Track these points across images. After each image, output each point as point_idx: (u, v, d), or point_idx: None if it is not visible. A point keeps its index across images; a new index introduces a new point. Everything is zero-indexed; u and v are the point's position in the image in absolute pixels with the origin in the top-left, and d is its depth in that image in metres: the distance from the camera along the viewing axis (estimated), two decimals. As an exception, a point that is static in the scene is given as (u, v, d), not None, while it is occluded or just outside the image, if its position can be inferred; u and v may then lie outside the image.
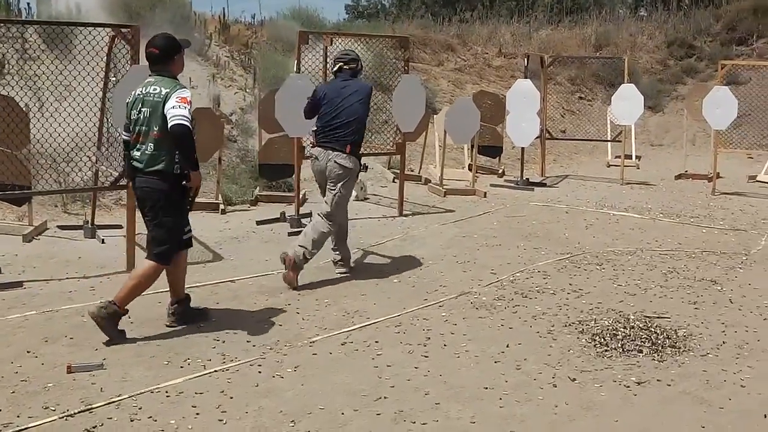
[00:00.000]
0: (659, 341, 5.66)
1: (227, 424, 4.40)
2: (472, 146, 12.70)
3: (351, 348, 5.61)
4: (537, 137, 13.75)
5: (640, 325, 5.95)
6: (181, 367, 5.19)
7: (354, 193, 11.29)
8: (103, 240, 8.70)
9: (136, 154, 5.64)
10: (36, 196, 9.04)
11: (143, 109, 5.57)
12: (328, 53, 9.76)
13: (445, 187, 12.08)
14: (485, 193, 12.01)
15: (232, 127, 12.96)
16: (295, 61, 9.86)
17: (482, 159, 14.17)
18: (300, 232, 9.17)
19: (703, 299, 6.86)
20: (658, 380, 5.05)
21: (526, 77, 13.48)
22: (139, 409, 4.54)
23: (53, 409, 4.49)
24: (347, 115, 7.28)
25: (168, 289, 6.09)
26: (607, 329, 5.89)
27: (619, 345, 5.59)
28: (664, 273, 7.72)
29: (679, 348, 5.59)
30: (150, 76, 5.71)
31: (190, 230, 5.97)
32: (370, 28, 20.97)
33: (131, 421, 4.39)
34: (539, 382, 5.01)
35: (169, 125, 5.40)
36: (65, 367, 5.03)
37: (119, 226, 8.67)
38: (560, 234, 9.46)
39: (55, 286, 6.99)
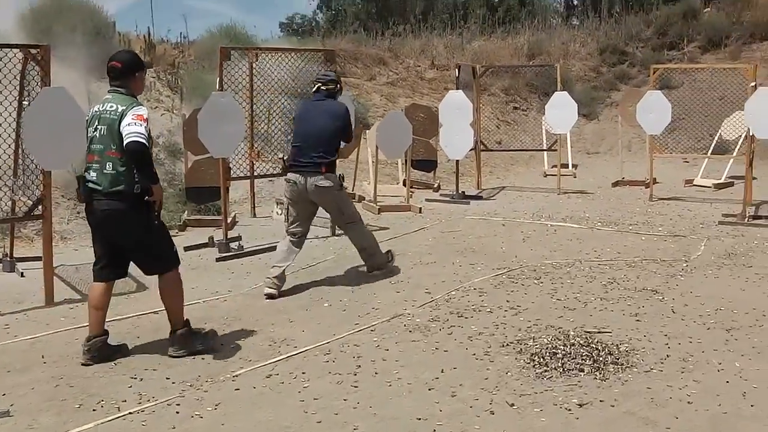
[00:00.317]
0: (601, 358, 5.38)
1: (136, 474, 4.03)
2: (406, 161, 12.43)
3: (276, 381, 5.25)
4: (471, 149, 13.53)
5: (581, 342, 5.68)
6: (94, 410, 4.79)
7: (284, 214, 11.01)
8: (22, 273, 8.30)
9: (93, 175, 5.39)
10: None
11: (99, 127, 5.36)
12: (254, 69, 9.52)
13: (379, 203, 11.76)
14: (420, 208, 11.74)
15: (158, 150, 12.53)
16: (218, 79, 9.48)
17: (417, 173, 13.92)
18: (228, 257, 8.89)
19: (644, 310, 6.61)
20: (600, 401, 4.76)
21: (458, 88, 13.25)
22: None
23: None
24: (316, 134, 7.38)
25: (86, 324, 5.78)
26: (547, 348, 5.60)
27: (560, 364, 5.30)
28: (603, 284, 7.48)
29: (622, 365, 5.32)
30: (108, 92, 5.52)
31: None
32: (300, 43, 20.63)
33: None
34: (475, 410, 4.68)
35: (125, 142, 5.18)
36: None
37: (40, 258, 8.22)
38: (497, 248, 9.20)
39: (-35, 325, 6.53)
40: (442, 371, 5.31)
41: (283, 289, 7.38)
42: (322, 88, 7.67)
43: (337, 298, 7.22)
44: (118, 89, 5.48)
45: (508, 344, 5.80)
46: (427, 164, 13.82)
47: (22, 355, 5.78)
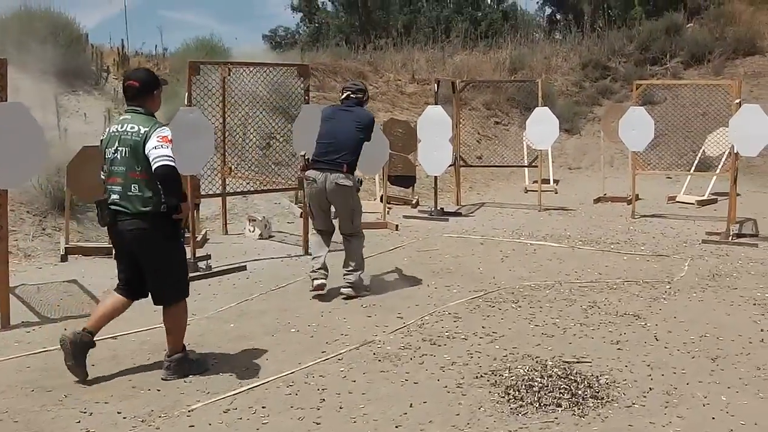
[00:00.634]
0: (580, 392, 5.06)
1: None
2: (384, 177, 12.12)
3: (234, 417, 4.89)
4: (450, 165, 13.25)
5: (559, 373, 5.37)
6: (37, 449, 4.46)
7: (258, 231, 10.70)
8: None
9: (115, 196, 5.29)
10: None
11: (120, 149, 5.27)
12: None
13: (355, 220, 11.42)
14: (397, 225, 11.43)
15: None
16: (186, 94, 9.15)
17: (395, 189, 13.62)
18: (196, 277, 8.53)
19: (626, 337, 6.31)
20: (578, 440, 4.47)
21: (436, 103, 12.96)
22: None
23: None
24: (343, 139, 7.63)
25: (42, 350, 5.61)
26: (523, 379, 5.28)
27: (536, 399, 4.98)
28: (584, 308, 7.18)
29: (602, 399, 5.00)
30: (126, 112, 5.47)
31: None
32: (280, 57, 20.31)
33: None
34: (445, 450, 4.38)
35: (154, 167, 5.14)
36: None
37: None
38: (474, 268, 8.89)
39: None
40: (410, 406, 4.98)
41: (245, 321, 7.04)
42: (351, 96, 7.98)
43: (305, 323, 6.88)
44: (137, 109, 5.43)
45: (482, 375, 5.47)
46: (406, 180, 13.52)
47: (-35, 385, 5.42)
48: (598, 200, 14.06)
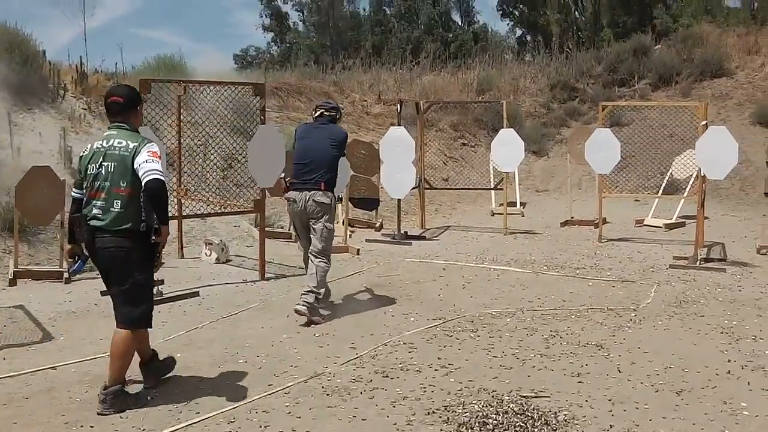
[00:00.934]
0: (536, 430, 4.78)
1: None
2: (345, 199, 11.83)
3: (167, 457, 4.59)
4: (415, 188, 12.99)
5: (515, 409, 5.07)
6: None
7: (215, 255, 10.37)
8: None
9: (96, 211, 5.21)
10: None
11: (105, 163, 5.22)
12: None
13: (315, 244, 11.12)
14: (358, 250, 11.13)
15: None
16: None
17: (359, 212, 13.34)
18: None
19: (587, 369, 6.03)
20: (533, 484, 4.17)
21: (399, 124, 12.71)
22: None
23: None
24: (318, 157, 7.73)
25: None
26: (477, 416, 4.97)
27: (490, 437, 4.70)
28: (545, 338, 6.89)
29: (560, 437, 4.73)
30: (110, 128, 5.42)
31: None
32: (245, 77, 20.01)
33: None
34: (389, 497, 4.06)
35: (144, 180, 5.10)
36: None
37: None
38: (434, 295, 8.60)
39: None
40: (356, 445, 4.68)
41: (192, 350, 6.70)
42: (325, 113, 8.09)
43: (254, 353, 6.56)
44: (122, 125, 5.40)
45: (434, 411, 5.16)
46: (369, 203, 13.22)
47: None
48: (565, 223, 13.84)
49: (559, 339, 6.86)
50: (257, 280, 9.35)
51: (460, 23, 40.48)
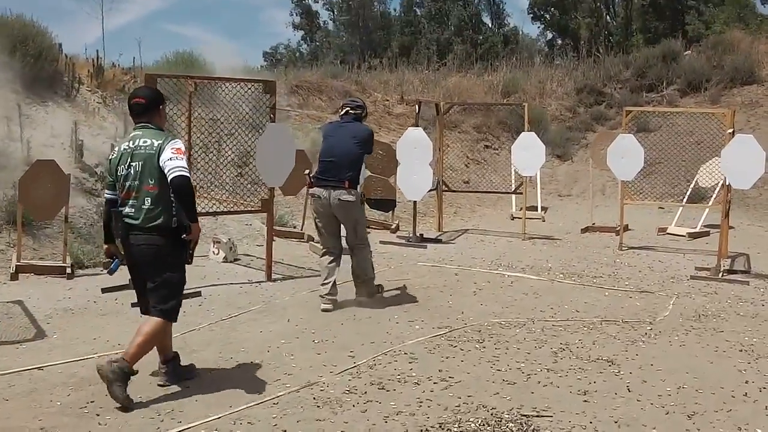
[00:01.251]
0: (533, 453, 4.49)
1: None
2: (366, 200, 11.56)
3: (142, 469, 4.32)
4: (432, 189, 12.70)
5: (514, 429, 4.78)
6: None
7: (222, 254, 10.15)
8: None
9: (130, 211, 5.37)
10: None
11: (133, 164, 5.36)
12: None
13: (327, 245, 10.86)
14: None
15: (96, 180, 11.65)
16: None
17: (375, 213, 13.06)
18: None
19: (595, 387, 5.70)
20: None
21: (416, 125, 12.43)
22: None
23: None
24: (342, 154, 7.88)
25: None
26: (472, 436, 4.70)
27: (484, 460, 4.40)
28: (554, 351, 6.57)
29: (559, 462, 4.42)
30: (135, 129, 5.53)
31: None
32: (265, 75, 19.81)
33: None
34: None
35: (170, 177, 5.22)
36: None
37: None
38: (443, 302, 8.31)
39: None
40: (341, 464, 4.39)
41: (184, 354, 6.42)
42: (350, 111, 8.21)
43: (249, 358, 6.30)
44: (146, 125, 5.50)
45: (427, 429, 4.86)
46: (385, 204, 12.93)
47: None
48: (585, 230, 13.51)
49: (568, 353, 6.54)
50: (263, 281, 9.11)
51: (490, 25, 40.25)
